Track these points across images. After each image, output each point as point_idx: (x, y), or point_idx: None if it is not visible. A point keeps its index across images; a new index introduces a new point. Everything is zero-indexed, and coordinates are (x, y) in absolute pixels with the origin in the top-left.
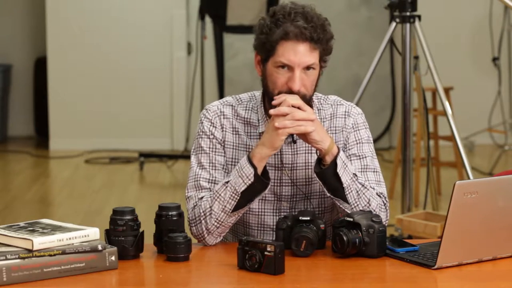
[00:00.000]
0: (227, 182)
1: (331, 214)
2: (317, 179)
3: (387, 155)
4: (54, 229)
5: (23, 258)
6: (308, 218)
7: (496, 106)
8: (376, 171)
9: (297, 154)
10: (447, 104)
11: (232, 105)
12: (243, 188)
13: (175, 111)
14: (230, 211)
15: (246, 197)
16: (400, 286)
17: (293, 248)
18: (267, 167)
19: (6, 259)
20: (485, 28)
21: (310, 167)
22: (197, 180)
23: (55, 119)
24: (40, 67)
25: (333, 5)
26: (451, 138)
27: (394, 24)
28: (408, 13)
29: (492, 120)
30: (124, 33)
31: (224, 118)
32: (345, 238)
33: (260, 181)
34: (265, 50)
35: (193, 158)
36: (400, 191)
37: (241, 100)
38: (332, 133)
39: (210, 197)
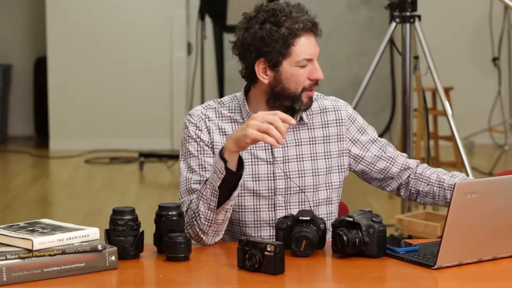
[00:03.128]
0: (206, 180)
1: (326, 207)
2: None
3: None
4: (54, 229)
5: (23, 258)
6: (308, 218)
7: (496, 106)
8: (389, 144)
9: (287, 147)
10: (447, 104)
11: (214, 108)
12: (219, 183)
13: (175, 111)
14: (215, 208)
15: (224, 192)
16: (400, 286)
17: (293, 248)
18: (259, 163)
19: (6, 259)
20: (485, 28)
21: (301, 159)
22: (188, 184)
23: (55, 119)
24: (40, 67)
25: (333, 5)
26: (451, 138)
27: (394, 24)
28: (408, 13)
29: (492, 120)
30: (124, 33)
31: (209, 121)
32: (345, 238)
33: (232, 174)
34: (279, 54)
35: (182, 164)
36: None
37: (223, 103)
38: (324, 127)
39: (196, 197)
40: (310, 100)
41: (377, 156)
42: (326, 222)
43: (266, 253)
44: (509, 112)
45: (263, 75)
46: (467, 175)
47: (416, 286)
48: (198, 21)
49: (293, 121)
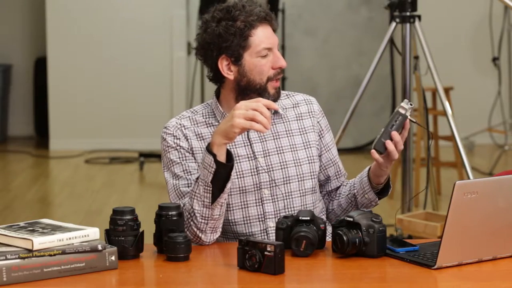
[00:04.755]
0: (197, 178)
1: (312, 195)
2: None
3: None
4: (54, 229)
5: (23, 258)
6: (308, 218)
7: (496, 106)
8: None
9: (265, 141)
10: (447, 104)
11: (188, 117)
12: (211, 178)
13: (175, 111)
14: (210, 204)
15: (217, 186)
16: (400, 286)
17: (293, 248)
18: (241, 160)
19: (6, 259)
20: (485, 28)
21: (282, 151)
22: (176, 190)
23: (55, 119)
24: (40, 67)
25: (333, 5)
26: (451, 138)
27: (394, 24)
28: (408, 13)
29: (492, 120)
30: (124, 33)
31: (185, 129)
32: (345, 238)
33: (223, 166)
34: (239, 47)
35: (166, 174)
36: (400, 191)
37: (196, 111)
38: (299, 119)
39: (189, 198)
40: (278, 91)
41: (331, 161)
42: (324, 219)
43: (266, 253)
44: (509, 112)
45: (228, 72)
46: (467, 175)
47: (416, 286)
48: (198, 21)
49: (275, 106)
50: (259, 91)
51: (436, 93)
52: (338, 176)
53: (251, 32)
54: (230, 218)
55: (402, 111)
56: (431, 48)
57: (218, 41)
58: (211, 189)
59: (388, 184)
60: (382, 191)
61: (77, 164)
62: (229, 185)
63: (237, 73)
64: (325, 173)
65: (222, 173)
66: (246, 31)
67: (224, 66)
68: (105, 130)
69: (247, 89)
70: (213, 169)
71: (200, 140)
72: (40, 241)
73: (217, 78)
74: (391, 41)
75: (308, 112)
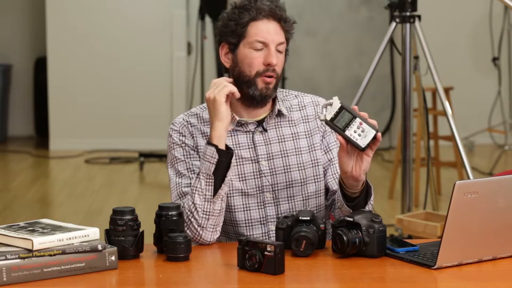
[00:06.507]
0: (198, 174)
1: (316, 199)
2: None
3: (387, 155)
4: (54, 229)
5: (23, 258)
6: (308, 218)
7: (496, 106)
8: None
9: (270, 144)
10: (447, 104)
11: (197, 114)
12: (213, 169)
13: (175, 111)
14: (211, 197)
15: (218, 176)
16: (400, 286)
17: (293, 248)
18: (244, 162)
19: (6, 259)
20: (485, 28)
21: (285, 155)
22: (179, 188)
23: (55, 119)
24: (40, 67)
25: (333, 5)
26: (451, 138)
27: (394, 24)
28: (408, 13)
29: (492, 120)
30: (124, 33)
31: (191, 126)
32: (345, 238)
33: (224, 154)
34: (236, 35)
35: (170, 170)
36: (400, 191)
37: (205, 108)
38: (305, 122)
39: (190, 194)
40: (267, 87)
41: (329, 161)
42: (325, 222)
43: (266, 253)
44: (509, 112)
45: (225, 59)
46: (467, 175)
47: (416, 286)
48: (198, 21)
49: (235, 90)
50: (248, 84)
51: (436, 93)
52: (335, 177)
53: (251, 23)
54: (232, 219)
55: (337, 106)
56: (431, 48)
57: (221, 27)
58: (213, 180)
59: (367, 193)
60: (359, 203)
61: (77, 164)
62: (229, 174)
63: (232, 61)
64: (325, 172)
65: (224, 162)
66: (246, 20)
67: (223, 53)
68: (105, 130)
69: (238, 80)
70: (215, 160)
71: (205, 138)
72: (40, 241)
73: (224, 67)
74: (391, 41)
75: (315, 114)
